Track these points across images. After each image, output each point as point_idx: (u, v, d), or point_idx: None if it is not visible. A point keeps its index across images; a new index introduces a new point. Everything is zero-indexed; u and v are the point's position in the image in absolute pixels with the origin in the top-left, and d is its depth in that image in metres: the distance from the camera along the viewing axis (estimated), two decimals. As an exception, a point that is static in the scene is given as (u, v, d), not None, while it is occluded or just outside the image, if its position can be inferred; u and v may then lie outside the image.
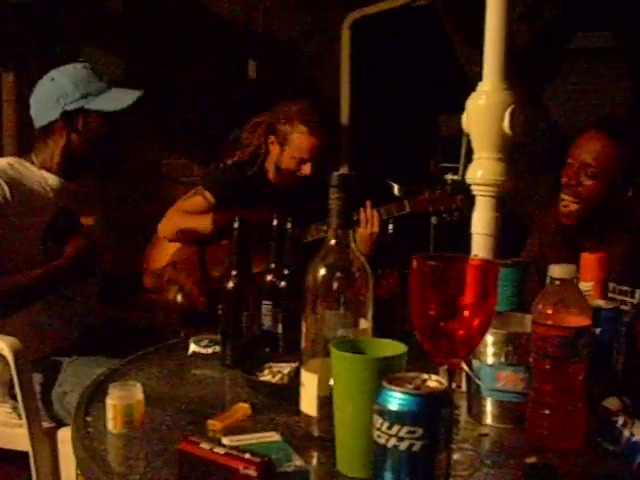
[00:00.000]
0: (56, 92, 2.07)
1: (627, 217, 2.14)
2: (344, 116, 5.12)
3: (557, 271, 1.18)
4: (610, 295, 1.83)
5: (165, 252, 2.86)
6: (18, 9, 3.08)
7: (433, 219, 2.83)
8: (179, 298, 2.14)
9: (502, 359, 1.23)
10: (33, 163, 2.11)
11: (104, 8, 3.55)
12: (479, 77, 1.57)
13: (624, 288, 1.96)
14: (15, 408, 1.97)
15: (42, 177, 2.09)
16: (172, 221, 2.81)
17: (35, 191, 2.05)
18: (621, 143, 2.08)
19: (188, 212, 2.80)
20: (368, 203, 2.65)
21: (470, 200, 1.60)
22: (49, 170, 2.11)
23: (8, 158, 2.10)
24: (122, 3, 3.64)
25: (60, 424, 1.97)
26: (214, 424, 1.21)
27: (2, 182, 1.96)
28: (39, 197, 2.05)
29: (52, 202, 2.08)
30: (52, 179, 2.10)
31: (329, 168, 2.63)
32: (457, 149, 3.68)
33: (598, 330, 1.31)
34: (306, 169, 2.76)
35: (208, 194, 2.80)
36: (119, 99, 2.09)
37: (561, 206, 2.16)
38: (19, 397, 1.85)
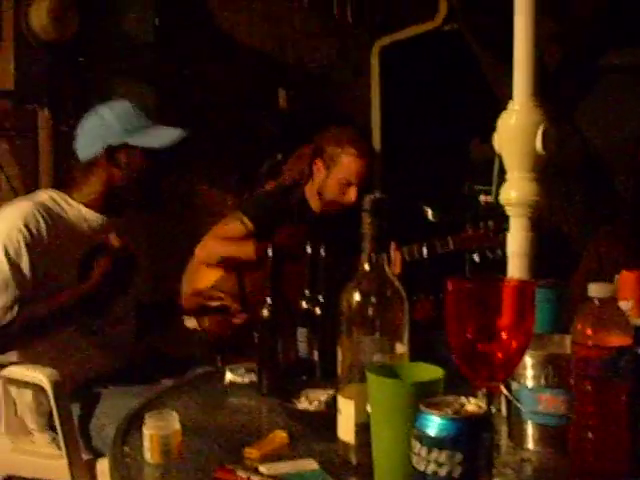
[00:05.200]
0: (100, 126, 2.07)
1: None
2: (376, 141, 5.13)
3: (596, 290, 1.16)
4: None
5: (202, 276, 2.87)
6: (52, 46, 3.14)
7: (475, 256, 2.81)
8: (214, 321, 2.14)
9: (542, 381, 1.21)
10: (73, 197, 2.11)
11: (137, 42, 3.61)
12: (509, 99, 1.56)
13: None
14: (54, 439, 1.97)
15: (81, 212, 2.10)
16: (210, 246, 2.83)
17: (73, 226, 2.06)
18: None
19: (226, 237, 2.82)
20: (393, 245, 2.66)
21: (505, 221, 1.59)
22: (88, 205, 2.11)
23: (49, 191, 2.11)
24: (154, 36, 3.69)
25: (98, 455, 1.97)
26: (251, 452, 1.20)
27: (40, 217, 1.96)
28: (77, 232, 2.06)
29: (89, 237, 2.08)
30: (90, 214, 2.11)
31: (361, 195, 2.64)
32: (490, 172, 3.66)
33: (640, 350, 1.28)
34: (351, 193, 2.79)
35: (246, 220, 2.81)
36: (162, 136, 2.09)
37: None
38: (58, 428, 1.86)
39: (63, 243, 2.00)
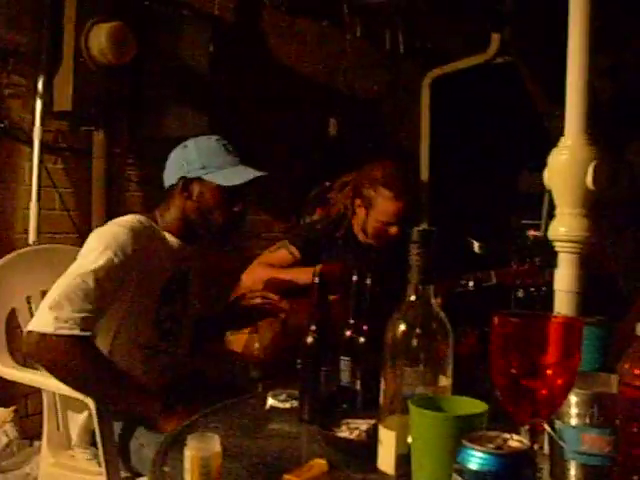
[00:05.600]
0: (182, 158, 2.13)
1: None
2: (424, 172, 5.14)
3: (644, 330, 1.15)
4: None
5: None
6: (109, 70, 3.21)
7: (519, 292, 2.77)
8: (256, 346, 2.16)
9: (587, 420, 1.19)
10: (157, 221, 2.16)
11: (191, 68, 3.68)
12: (561, 133, 1.56)
13: None
14: (96, 456, 2.00)
15: (164, 237, 2.14)
16: (257, 273, 2.84)
17: (158, 251, 2.09)
18: None
19: (273, 265, 2.83)
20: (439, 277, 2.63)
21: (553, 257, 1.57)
22: (170, 231, 2.15)
23: (137, 215, 2.13)
24: (208, 63, 3.75)
25: (136, 475, 1.99)
26: (290, 479, 1.20)
27: (131, 242, 1.98)
28: (160, 257, 2.09)
29: (170, 263, 2.12)
30: (173, 241, 2.15)
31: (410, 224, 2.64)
32: (538, 206, 3.63)
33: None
34: (392, 232, 2.78)
35: (294, 249, 2.82)
36: (236, 175, 2.11)
37: None
38: (99, 445, 1.88)
39: (146, 267, 2.03)
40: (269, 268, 2.81)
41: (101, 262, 1.91)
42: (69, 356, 1.82)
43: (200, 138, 2.18)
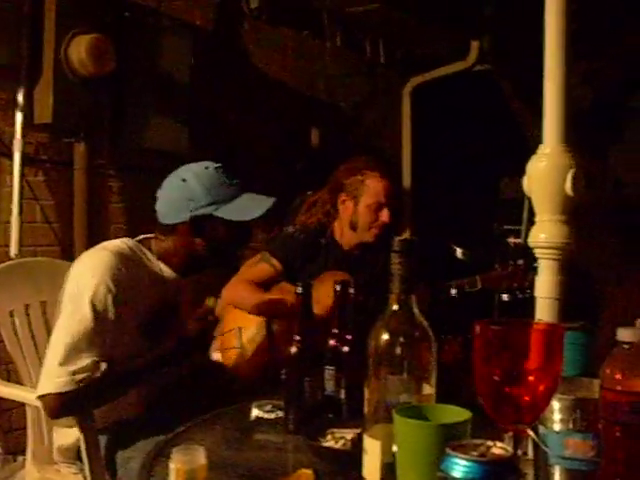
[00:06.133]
0: (187, 195, 2.03)
1: None
2: (406, 180, 5.15)
3: (625, 334, 1.16)
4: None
5: (229, 317, 2.84)
6: (90, 82, 3.20)
7: (505, 296, 2.77)
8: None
9: (570, 426, 1.20)
10: (151, 250, 2.10)
11: (171, 80, 3.68)
12: (539, 139, 1.57)
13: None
14: (82, 470, 1.98)
15: (157, 267, 2.09)
16: (237, 289, 2.76)
17: (145, 279, 2.04)
18: None
19: (256, 281, 2.76)
20: (422, 285, 2.62)
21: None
22: (166, 262, 2.10)
23: (128, 241, 2.09)
24: (189, 75, 3.75)
25: (124, 488, 1.98)
26: (277, 490, 1.20)
27: (124, 269, 1.95)
28: (146, 285, 2.04)
29: (157, 293, 2.07)
30: (167, 272, 2.09)
31: (392, 232, 2.63)
32: (519, 212, 3.65)
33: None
34: (384, 215, 2.73)
35: (275, 261, 2.75)
36: (248, 208, 2.06)
37: None
38: (85, 459, 1.87)
39: (134, 296, 1.98)
40: (250, 285, 2.74)
41: (99, 296, 1.87)
42: (96, 395, 1.86)
43: (197, 169, 2.07)
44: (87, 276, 1.92)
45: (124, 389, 1.94)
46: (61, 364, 1.80)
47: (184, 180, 2.05)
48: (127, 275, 1.95)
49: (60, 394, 1.79)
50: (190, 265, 2.12)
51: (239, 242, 2.15)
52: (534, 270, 1.65)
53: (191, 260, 2.10)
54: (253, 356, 2.63)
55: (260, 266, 2.77)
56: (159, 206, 2.10)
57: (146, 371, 1.96)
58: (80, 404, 1.84)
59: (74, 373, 1.79)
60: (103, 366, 1.84)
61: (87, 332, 1.83)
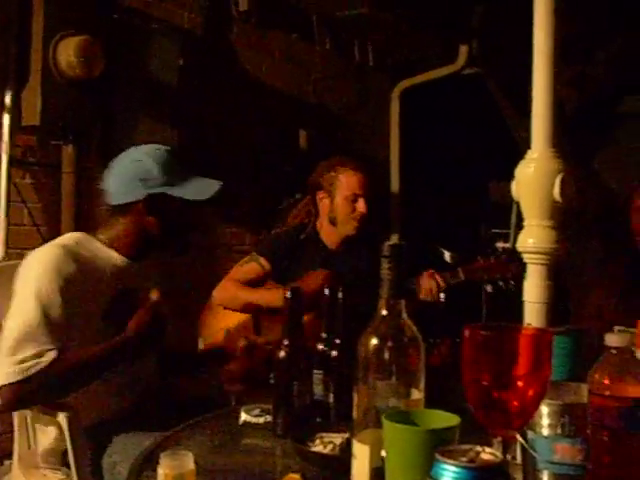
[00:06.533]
0: (141, 173, 2.05)
1: None
2: (394, 184, 5.16)
3: (613, 339, 1.16)
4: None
5: (220, 318, 2.88)
6: (78, 84, 3.19)
7: (488, 287, 2.80)
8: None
9: (558, 430, 1.20)
10: (99, 238, 2.10)
11: (160, 82, 3.67)
12: (528, 143, 1.57)
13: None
14: (68, 475, 1.97)
15: (109, 255, 2.08)
16: (228, 289, 2.85)
17: (100, 269, 2.04)
18: None
19: (244, 280, 2.83)
20: (429, 272, 2.69)
21: (523, 268, 1.59)
22: (117, 249, 2.10)
23: (75, 234, 2.10)
24: (178, 77, 3.74)
25: (110, 493, 1.97)
26: (265, 495, 1.20)
27: (71, 262, 1.95)
28: (103, 275, 2.04)
29: (115, 281, 2.07)
30: (118, 259, 2.09)
31: (379, 236, 2.65)
32: (508, 215, 3.66)
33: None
34: (360, 206, 2.82)
35: (263, 260, 2.85)
36: (201, 189, 2.09)
37: None
38: (72, 465, 1.86)
39: (91, 288, 1.99)
40: (240, 285, 2.82)
41: (43, 288, 1.88)
42: (49, 384, 1.82)
43: (150, 150, 2.11)
44: (32, 271, 1.93)
45: (85, 377, 1.92)
46: (7, 356, 1.81)
47: (139, 160, 2.07)
48: (77, 268, 1.95)
49: (11, 384, 1.79)
50: (141, 247, 2.12)
51: (191, 224, 2.17)
52: (518, 261, 1.65)
53: (143, 241, 2.11)
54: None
55: (249, 266, 2.87)
56: (111, 186, 2.11)
57: (104, 358, 1.92)
58: (34, 393, 1.82)
59: (21, 362, 1.79)
60: (51, 354, 1.82)
61: (31, 324, 1.84)
